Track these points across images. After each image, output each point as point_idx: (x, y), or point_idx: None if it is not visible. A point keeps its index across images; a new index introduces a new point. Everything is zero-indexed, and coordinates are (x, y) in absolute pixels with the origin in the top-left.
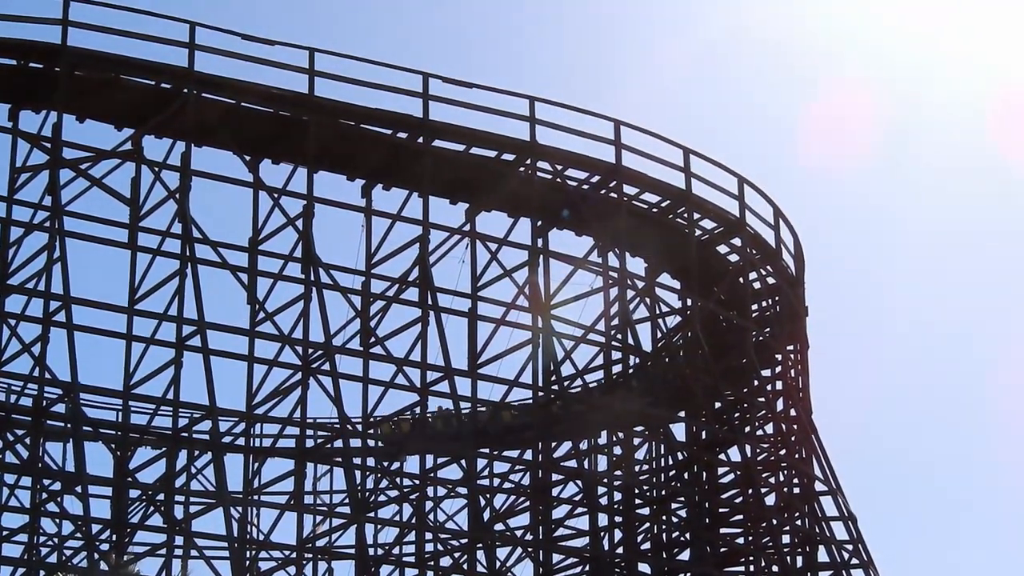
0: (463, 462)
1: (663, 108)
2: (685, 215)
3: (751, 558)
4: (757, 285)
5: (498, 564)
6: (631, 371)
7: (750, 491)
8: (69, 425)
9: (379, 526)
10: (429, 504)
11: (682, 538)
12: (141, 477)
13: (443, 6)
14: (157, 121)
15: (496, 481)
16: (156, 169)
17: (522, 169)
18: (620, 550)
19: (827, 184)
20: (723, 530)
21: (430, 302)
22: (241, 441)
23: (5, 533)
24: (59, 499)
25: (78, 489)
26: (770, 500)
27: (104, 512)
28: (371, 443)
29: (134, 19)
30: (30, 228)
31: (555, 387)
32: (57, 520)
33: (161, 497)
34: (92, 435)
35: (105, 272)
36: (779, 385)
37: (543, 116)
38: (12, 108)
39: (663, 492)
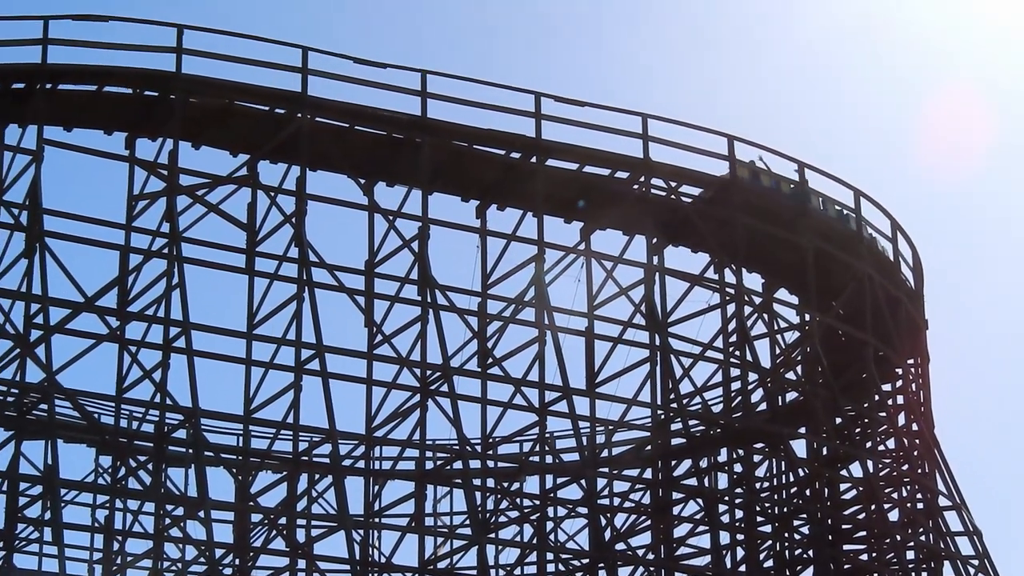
0: (583, 481)
1: (773, 117)
2: (802, 229)
3: (875, 574)
4: (876, 299)
5: None
6: (750, 387)
7: (873, 507)
8: (191, 451)
9: (500, 547)
10: (550, 524)
11: (805, 555)
12: (262, 501)
13: (552, 30)
14: (272, 146)
15: (616, 500)
16: (272, 194)
17: (636, 187)
18: (742, 568)
19: (943, 193)
20: (846, 547)
21: (547, 321)
22: (361, 464)
23: (129, 559)
24: (182, 524)
25: (201, 514)
26: (893, 516)
27: (227, 536)
28: (491, 463)
29: (246, 45)
30: (149, 255)
31: (674, 405)
32: (180, 545)
33: (283, 521)
34: (214, 460)
35: (223, 297)
36: (900, 399)
37: (655, 133)
38: (128, 136)
39: (785, 509)
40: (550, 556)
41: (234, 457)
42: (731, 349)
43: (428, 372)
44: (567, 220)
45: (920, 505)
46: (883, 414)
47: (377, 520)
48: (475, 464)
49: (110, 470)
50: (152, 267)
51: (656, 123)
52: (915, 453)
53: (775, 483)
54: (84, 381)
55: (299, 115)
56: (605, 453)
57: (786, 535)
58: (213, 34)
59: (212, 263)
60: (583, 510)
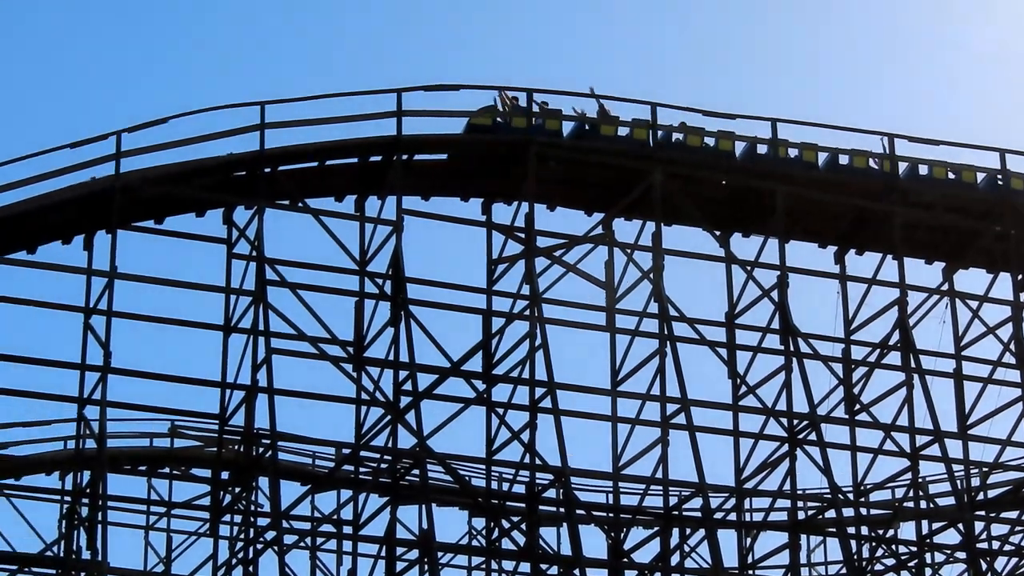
0: (960, 526)
1: None
2: None
3: None
4: None
5: None
6: None
7: None
8: (562, 509)
9: None
10: (928, 571)
11: None
12: (636, 557)
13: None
14: (625, 203)
15: (996, 544)
16: (628, 251)
17: (998, 227)
18: None
19: None
20: None
21: (913, 365)
22: (733, 516)
23: None
24: None
25: (576, 572)
26: None
27: None
28: (864, 511)
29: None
30: (511, 318)
31: None
32: None
33: None
34: (585, 518)
35: (585, 356)
36: None
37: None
38: (485, 202)
39: None
40: None
41: (605, 514)
42: None
43: (795, 421)
44: (928, 261)
45: None
46: None
47: (752, 572)
48: (848, 512)
49: (484, 532)
50: (514, 329)
51: (1014, 157)
52: None
53: None
54: (454, 445)
55: (651, 172)
56: (981, 496)
57: None
58: (561, 95)
59: (573, 322)
60: (962, 555)
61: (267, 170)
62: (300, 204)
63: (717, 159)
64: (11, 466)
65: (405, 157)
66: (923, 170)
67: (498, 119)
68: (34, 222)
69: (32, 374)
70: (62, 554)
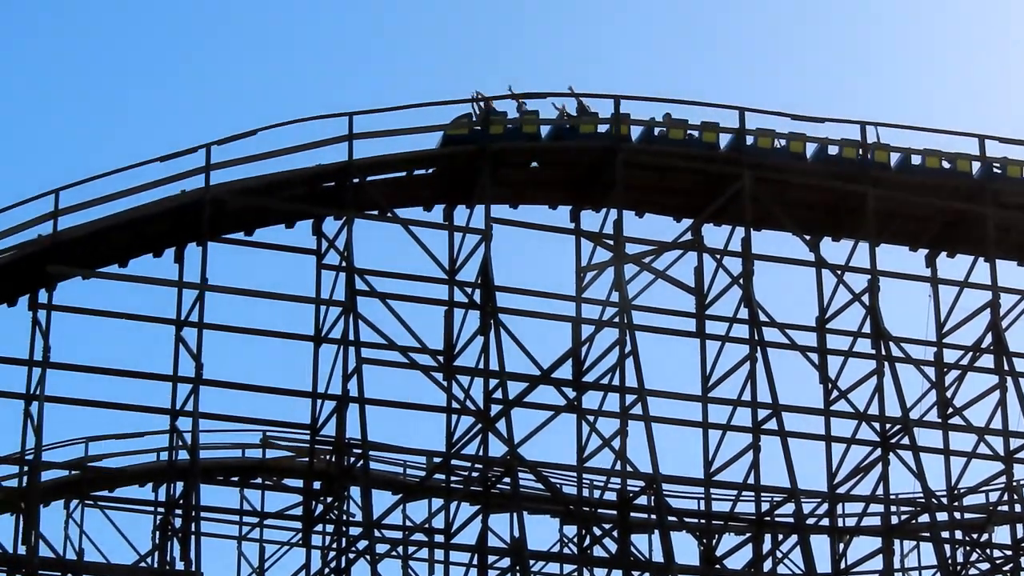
0: None
1: None
2: None
3: None
4: None
5: None
6: None
7: None
8: (654, 516)
9: None
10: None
11: None
12: (728, 564)
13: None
14: (714, 209)
15: None
16: (718, 256)
17: None
18: None
19: None
20: None
21: (1007, 367)
22: (825, 522)
23: None
24: None
25: None
26: None
27: None
28: (958, 515)
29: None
30: (600, 325)
31: None
32: None
33: None
34: (677, 525)
35: (675, 362)
36: None
37: None
38: (573, 209)
39: None
40: None
41: (697, 521)
42: None
43: (888, 425)
44: (1020, 263)
45: None
46: None
47: None
48: (942, 516)
49: (575, 539)
50: (604, 336)
51: None
52: None
53: None
54: (544, 452)
55: (740, 176)
56: None
57: None
58: (648, 101)
59: (663, 329)
60: None
61: (355, 180)
62: (389, 214)
63: (803, 164)
64: (105, 478)
65: (494, 167)
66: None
67: (476, 127)
68: (125, 235)
69: (125, 386)
70: (156, 565)
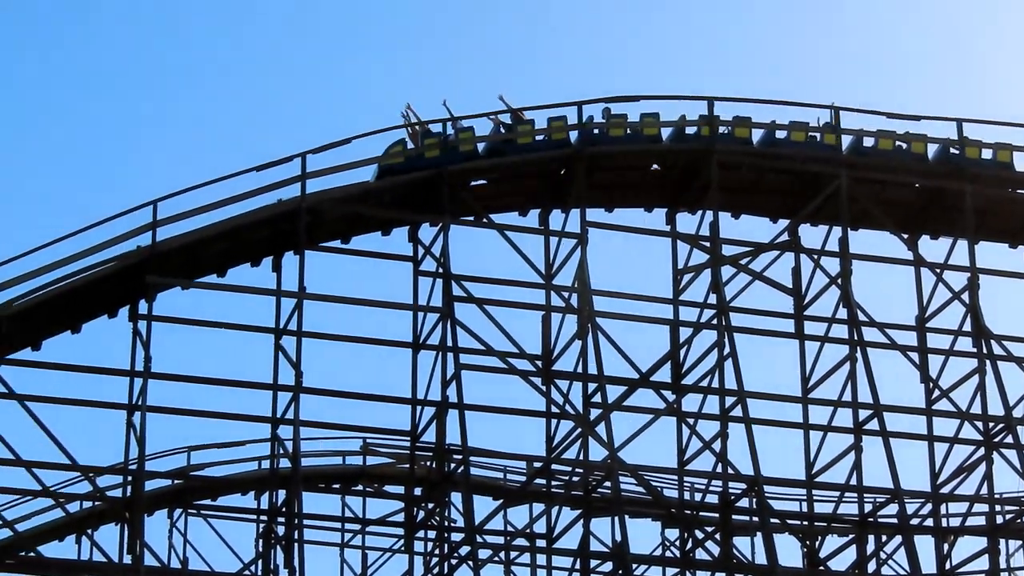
0: None
1: None
2: None
3: None
4: None
5: None
6: None
7: None
8: (756, 519)
9: None
10: None
11: None
12: (832, 565)
13: None
14: (811, 209)
15: None
16: (815, 256)
17: None
18: None
19: None
20: None
21: None
22: (929, 522)
23: None
24: None
25: None
26: None
27: None
28: None
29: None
30: (698, 327)
31: None
32: None
33: None
34: (779, 527)
35: (775, 363)
36: None
37: None
38: (668, 212)
39: None
40: None
41: (799, 523)
42: None
43: (991, 424)
44: None
45: None
46: None
47: None
48: None
49: (677, 543)
50: (702, 339)
51: None
52: None
53: None
54: (645, 456)
55: (837, 176)
56: None
57: None
58: (740, 102)
59: (761, 330)
60: None
61: (451, 187)
62: (484, 220)
63: (900, 162)
64: (208, 486)
65: (589, 169)
66: None
67: (412, 153)
68: (223, 245)
69: (226, 395)
70: (260, 573)
